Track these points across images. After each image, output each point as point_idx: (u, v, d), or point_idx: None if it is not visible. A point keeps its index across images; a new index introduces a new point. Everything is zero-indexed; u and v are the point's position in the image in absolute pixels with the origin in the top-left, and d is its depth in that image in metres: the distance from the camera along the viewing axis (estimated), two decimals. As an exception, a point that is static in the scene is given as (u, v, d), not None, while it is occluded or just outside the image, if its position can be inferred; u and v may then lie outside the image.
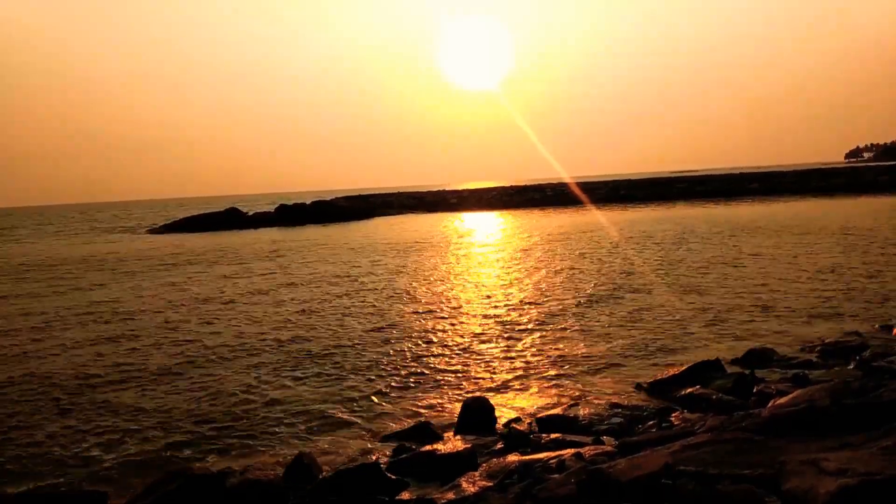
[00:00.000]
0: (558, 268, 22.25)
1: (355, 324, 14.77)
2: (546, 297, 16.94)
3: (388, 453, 7.66)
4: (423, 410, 9.10)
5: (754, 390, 8.63)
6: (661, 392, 9.25)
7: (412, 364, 11.34)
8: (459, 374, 10.64)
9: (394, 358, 11.77)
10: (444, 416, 8.86)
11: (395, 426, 8.59)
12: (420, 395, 9.74)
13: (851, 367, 9.71)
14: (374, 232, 43.62)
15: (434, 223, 50.44)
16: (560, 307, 15.50)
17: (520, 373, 10.56)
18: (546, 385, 9.90)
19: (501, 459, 7.01)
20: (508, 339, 12.78)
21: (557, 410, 8.61)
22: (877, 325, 12.14)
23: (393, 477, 6.72)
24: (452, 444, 7.71)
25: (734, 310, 14.21)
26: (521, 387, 9.90)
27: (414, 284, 20.26)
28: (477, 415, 8.47)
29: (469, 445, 7.50)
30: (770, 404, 7.43)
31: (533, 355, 11.53)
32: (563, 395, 9.39)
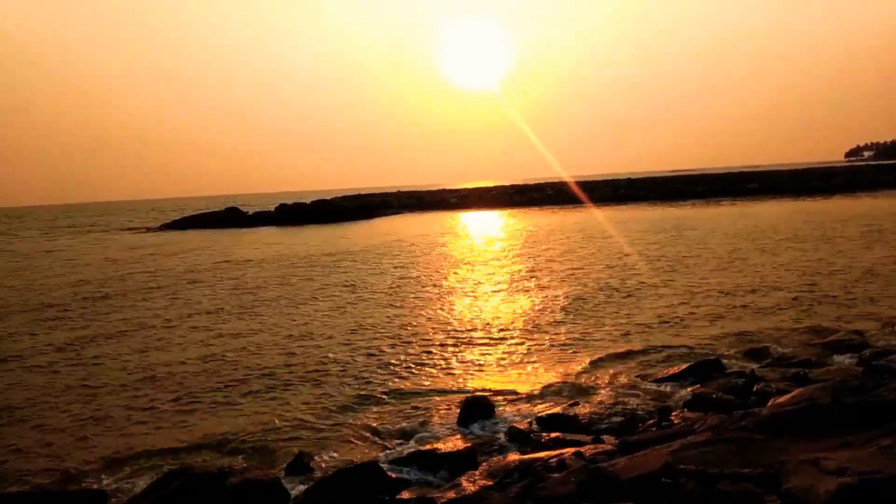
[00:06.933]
0: (558, 267, 22.26)
1: (355, 326, 14.77)
2: (546, 296, 16.94)
3: (388, 453, 7.66)
4: (423, 410, 9.10)
5: (754, 389, 8.63)
6: (662, 391, 9.25)
7: (412, 363, 11.34)
8: (460, 374, 10.65)
9: (394, 358, 11.77)
10: (445, 415, 8.86)
11: (395, 426, 8.59)
12: (420, 394, 9.74)
13: (852, 365, 9.72)
14: (375, 232, 43.63)
15: (434, 223, 50.45)
16: (560, 307, 15.50)
17: (520, 372, 10.57)
18: (546, 384, 9.89)
19: (502, 458, 7.01)
20: (508, 338, 12.78)
21: (557, 409, 8.61)
22: (877, 324, 12.15)
23: (393, 476, 6.72)
24: (453, 443, 7.71)
25: (734, 309, 14.21)
26: (522, 386, 9.90)
27: (413, 285, 20.27)
28: (477, 413, 8.48)
29: (469, 444, 7.50)
30: (770, 403, 7.44)
31: (533, 354, 11.53)
32: (564, 394, 9.40)
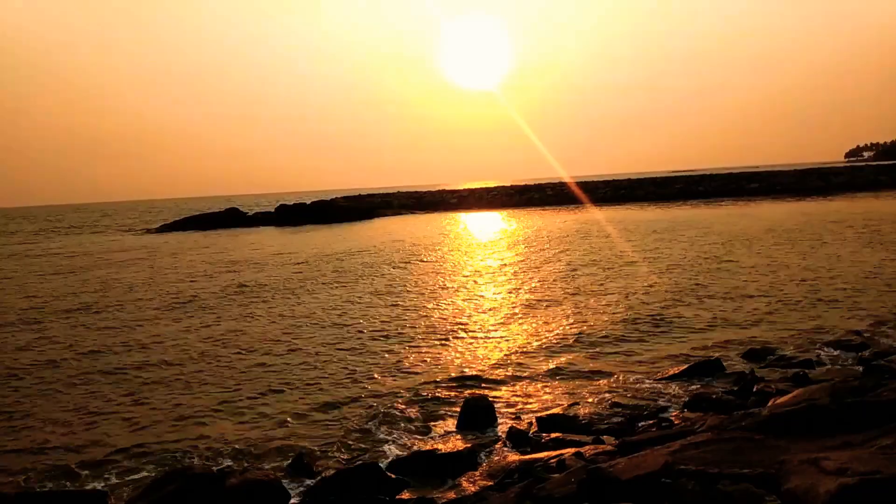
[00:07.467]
0: (558, 268, 22.26)
1: (356, 326, 14.77)
2: (546, 297, 16.94)
3: (388, 453, 7.66)
4: (423, 410, 9.09)
5: (754, 389, 8.64)
6: (662, 391, 9.25)
7: (413, 364, 11.34)
8: (460, 374, 10.64)
9: (394, 358, 11.77)
10: (445, 415, 8.86)
11: (395, 426, 8.58)
12: (421, 394, 9.73)
13: (852, 365, 9.73)
14: (375, 233, 43.64)
15: (434, 223, 50.44)
16: (560, 307, 15.50)
17: (520, 372, 10.56)
18: (546, 384, 9.90)
19: (502, 459, 7.02)
20: (508, 339, 12.78)
21: (557, 410, 8.62)
22: (877, 324, 12.14)
23: (393, 476, 6.72)
24: (453, 443, 7.72)
25: (734, 309, 14.20)
26: (522, 386, 9.90)
27: (413, 286, 20.27)
28: (477, 414, 8.48)
29: (469, 445, 7.50)
30: (770, 403, 7.44)
31: (533, 355, 11.53)
32: (564, 395, 9.40)
